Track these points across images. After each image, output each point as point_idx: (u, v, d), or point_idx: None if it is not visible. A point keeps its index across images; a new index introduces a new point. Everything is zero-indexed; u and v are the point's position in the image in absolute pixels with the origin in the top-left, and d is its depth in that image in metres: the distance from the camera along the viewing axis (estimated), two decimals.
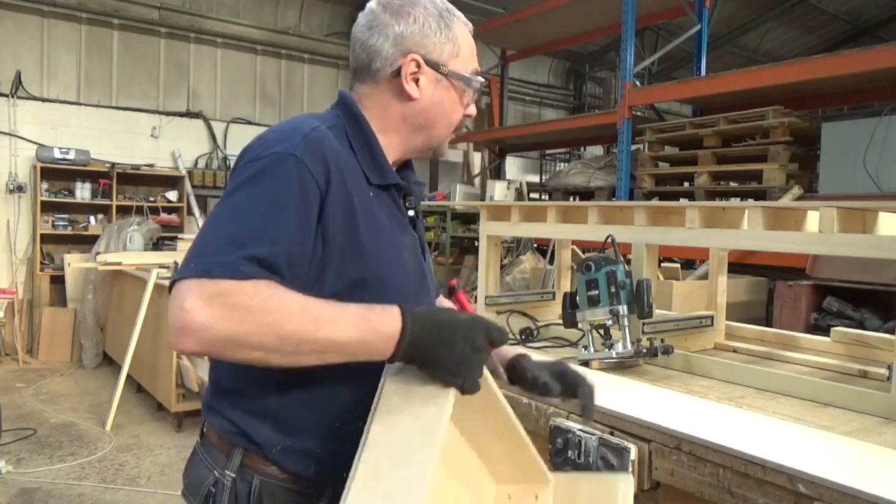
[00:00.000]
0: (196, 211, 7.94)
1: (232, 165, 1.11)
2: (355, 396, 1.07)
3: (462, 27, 1.22)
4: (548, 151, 11.13)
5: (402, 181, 1.22)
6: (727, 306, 2.38)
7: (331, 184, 1.05)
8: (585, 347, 2.04)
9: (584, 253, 4.51)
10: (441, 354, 0.95)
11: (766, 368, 1.94)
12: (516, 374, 1.30)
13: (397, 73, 1.17)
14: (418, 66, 1.17)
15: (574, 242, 3.38)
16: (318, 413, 1.10)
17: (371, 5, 1.22)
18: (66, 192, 7.24)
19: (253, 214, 0.98)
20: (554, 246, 5.76)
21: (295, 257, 1.00)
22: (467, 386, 0.97)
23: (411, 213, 1.25)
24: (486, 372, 1.01)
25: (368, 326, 0.95)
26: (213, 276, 0.91)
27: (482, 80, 1.24)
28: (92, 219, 7.35)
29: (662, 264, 4.99)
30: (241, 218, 0.98)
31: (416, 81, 1.18)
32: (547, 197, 8.09)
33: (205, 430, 1.22)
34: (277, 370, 1.00)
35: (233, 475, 1.12)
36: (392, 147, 1.21)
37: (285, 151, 1.03)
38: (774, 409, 1.67)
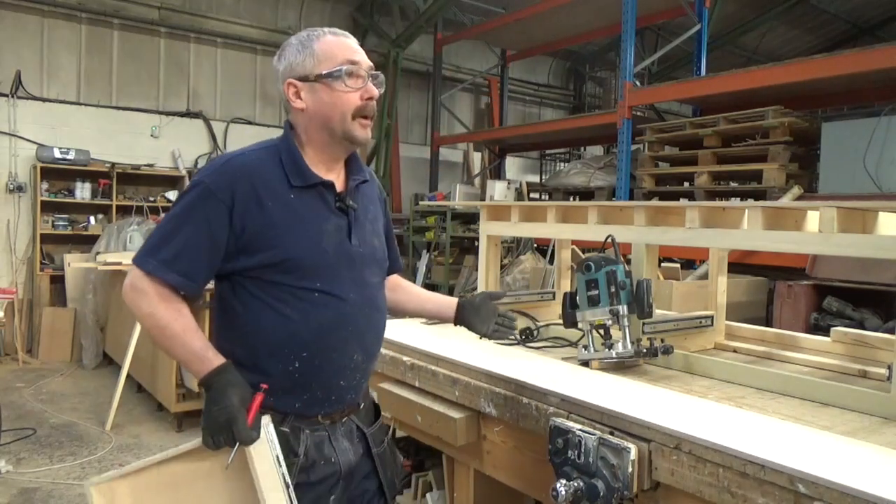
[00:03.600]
0: None
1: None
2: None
3: (328, 38, 1.52)
4: (548, 151, 11.13)
5: (328, 181, 1.52)
6: (727, 306, 2.38)
7: (235, 197, 1.43)
8: (585, 347, 2.04)
9: (584, 253, 4.51)
10: (207, 407, 1.40)
11: (766, 368, 1.94)
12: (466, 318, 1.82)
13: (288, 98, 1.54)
14: (294, 85, 1.52)
15: (574, 242, 3.38)
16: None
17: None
18: (66, 192, 7.24)
19: (172, 229, 1.44)
20: (554, 246, 5.76)
21: (191, 255, 1.42)
22: (203, 439, 1.39)
23: (344, 203, 1.55)
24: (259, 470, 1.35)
25: (196, 358, 1.42)
26: (143, 269, 1.42)
27: (350, 65, 1.49)
28: (92, 219, 7.35)
29: (662, 264, 4.99)
30: (165, 230, 1.45)
31: (299, 97, 1.51)
32: (547, 197, 8.09)
33: None
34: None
35: None
36: (316, 150, 1.54)
37: (200, 180, 1.46)
38: (774, 409, 1.67)
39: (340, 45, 1.51)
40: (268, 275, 1.45)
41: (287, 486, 1.36)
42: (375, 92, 1.51)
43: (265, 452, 1.36)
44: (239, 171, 1.45)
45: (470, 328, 1.83)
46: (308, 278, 1.46)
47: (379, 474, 1.63)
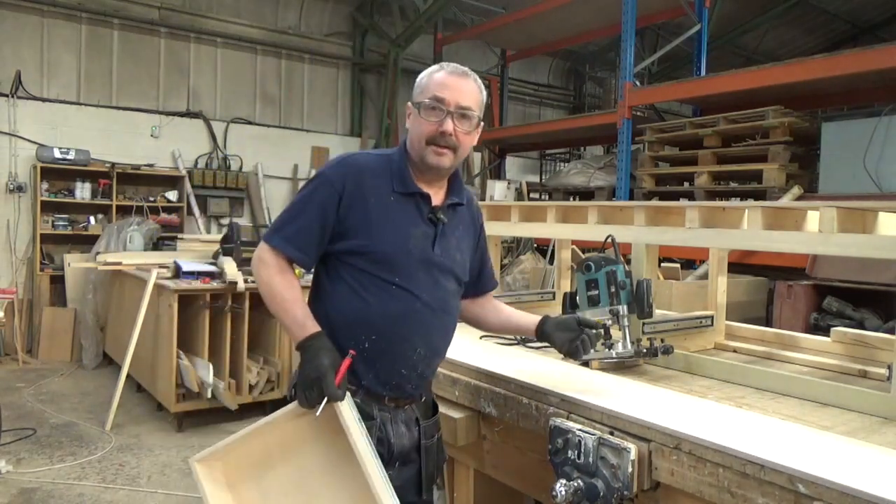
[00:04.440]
0: (196, 211, 7.93)
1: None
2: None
3: (435, 74, 1.72)
4: (548, 151, 11.12)
5: (426, 193, 1.71)
6: (727, 306, 2.38)
7: (345, 188, 1.66)
8: None
9: (584, 253, 4.51)
10: (301, 367, 1.61)
11: (766, 368, 1.95)
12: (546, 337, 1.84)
13: None
14: (409, 108, 1.74)
15: (574, 242, 3.38)
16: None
17: None
18: (66, 192, 7.23)
19: (295, 212, 1.69)
20: (554, 246, 5.75)
21: (307, 234, 1.67)
22: (296, 396, 1.57)
23: (435, 216, 1.73)
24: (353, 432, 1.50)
25: (297, 324, 1.63)
26: (269, 244, 1.68)
27: (433, 101, 1.66)
28: (92, 219, 7.34)
29: (662, 264, 4.99)
30: (289, 213, 1.70)
31: (409, 118, 1.74)
32: (547, 197, 8.09)
33: None
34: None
35: None
36: (413, 166, 1.72)
37: (321, 171, 1.73)
38: (774, 409, 1.67)
39: (438, 82, 1.70)
40: (356, 261, 1.66)
41: (369, 442, 1.51)
42: (449, 127, 1.65)
43: (350, 412, 1.52)
44: (352, 168, 1.70)
45: (549, 341, 1.82)
46: (389, 272, 1.65)
47: (422, 465, 1.75)
